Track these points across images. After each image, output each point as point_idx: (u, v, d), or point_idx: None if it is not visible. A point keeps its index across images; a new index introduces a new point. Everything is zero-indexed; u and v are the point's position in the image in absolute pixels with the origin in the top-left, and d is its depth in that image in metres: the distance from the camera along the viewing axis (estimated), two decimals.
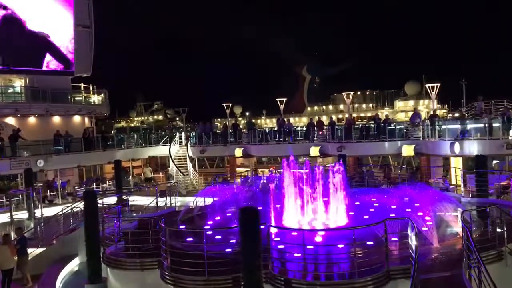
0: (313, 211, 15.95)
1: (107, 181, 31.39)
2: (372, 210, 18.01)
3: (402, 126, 28.35)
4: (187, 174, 32.02)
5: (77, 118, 34.44)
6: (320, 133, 30.31)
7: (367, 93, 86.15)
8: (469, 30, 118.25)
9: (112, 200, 22.63)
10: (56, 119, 32.86)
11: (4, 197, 24.84)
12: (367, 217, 16.43)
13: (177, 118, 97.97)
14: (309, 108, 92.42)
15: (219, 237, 13.93)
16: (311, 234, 12.95)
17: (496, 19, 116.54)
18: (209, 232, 13.96)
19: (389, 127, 27.76)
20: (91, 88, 35.95)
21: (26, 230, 19.27)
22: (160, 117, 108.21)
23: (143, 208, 21.39)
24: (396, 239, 11.91)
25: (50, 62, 33.12)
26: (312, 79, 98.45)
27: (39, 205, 22.18)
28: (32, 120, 31.87)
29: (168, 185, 27.86)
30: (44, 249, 16.96)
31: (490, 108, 27.13)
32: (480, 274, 9.15)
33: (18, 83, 32.69)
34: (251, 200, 17.62)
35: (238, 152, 31.53)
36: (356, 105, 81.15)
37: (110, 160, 29.64)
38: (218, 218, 17.10)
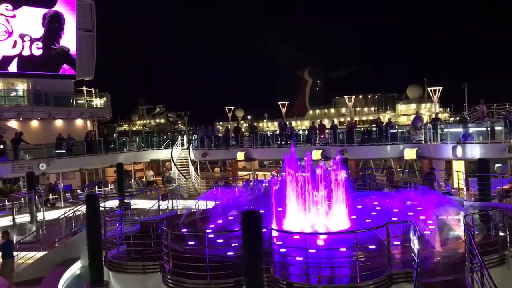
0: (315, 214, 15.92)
1: (109, 185, 31.41)
2: (374, 213, 17.97)
3: (404, 130, 28.31)
4: (189, 178, 32.03)
5: (79, 122, 34.53)
6: (322, 136, 30.29)
7: (369, 96, 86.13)
8: (470, 32, 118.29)
9: (114, 203, 22.63)
10: (59, 122, 32.95)
11: (6, 200, 24.87)
12: (369, 220, 16.40)
13: (179, 122, 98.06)
14: (310, 112, 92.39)
15: (221, 240, 13.91)
16: (313, 238, 12.92)
17: (497, 21, 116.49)
18: (211, 236, 13.96)
19: (391, 131, 27.71)
20: (93, 92, 36.04)
21: (28, 233, 19.30)
22: (162, 121, 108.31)
23: (145, 211, 21.39)
24: (398, 242, 11.89)
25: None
26: (313, 83, 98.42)
27: (41, 209, 22.20)
28: (34, 123, 31.96)
29: (169, 188, 27.86)
30: (46, 252, 16.94)
31: (492, 111, 27.08)
32: (483, 278, 9.13)
33: (21, 86, 32.80)
34: (253, 203, 17.61)
35: (240, 155, 31.53)
36: (358, 109, 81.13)
37: (112, 163, 29.67)
38: (220, 221, 17.10)
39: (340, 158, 16.65)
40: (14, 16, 31.04)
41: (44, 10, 32.31)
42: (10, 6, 30.82)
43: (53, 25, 32.64)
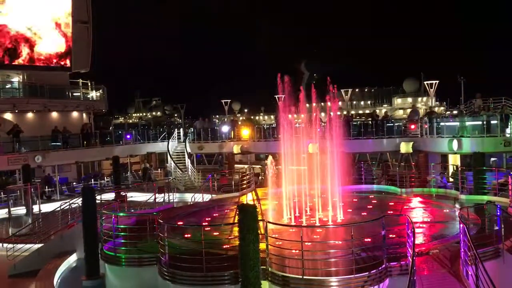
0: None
1: (105, 177, 31.35)
2: (370, 206, 18.07)
3: (400, 123, 28.34)
4: (185, 171, 31.99)
5: (75, 114, 34.37)
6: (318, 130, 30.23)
7: (366, 90, 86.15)
8: (468, 27, 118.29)
9: (110, 196, 22.60)
10: (54, 115, 32.78)
11: (2, 193, 24.78)
12: (365, 213, 16.49)
13: (176, 115, 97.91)
14: (307, 105, 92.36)
15: (217, 233, 13.94)
16: (309, 231, 12.96)
17: (494, 16, 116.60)
18: (207, 228, 13.97)
19: (388, 124, 27.74)
20: (89, 84, 35.85)
21: (24, 226, 19.27)
22: (159, 114, 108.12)
23: (141, 204, 21.38)
24: (393, 235, 11.94)
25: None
26: (310, 76, 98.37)
27: (37, 201, 22.14)
28: (30, 115, 31.79)
29: (166, 181, 27.82)
30: (42, 245, 16.92)
31: (488, 105, 27.10)
32: (477, 271, 9.19)
33: (16, 78, 32.60)
34: None
35: (237, 148, 31.52)
36: (354, 102, 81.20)
37: (108, 156, 29.60)
38: (216, 214, 17.13)
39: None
40: None
41: None
42: None
43: None
